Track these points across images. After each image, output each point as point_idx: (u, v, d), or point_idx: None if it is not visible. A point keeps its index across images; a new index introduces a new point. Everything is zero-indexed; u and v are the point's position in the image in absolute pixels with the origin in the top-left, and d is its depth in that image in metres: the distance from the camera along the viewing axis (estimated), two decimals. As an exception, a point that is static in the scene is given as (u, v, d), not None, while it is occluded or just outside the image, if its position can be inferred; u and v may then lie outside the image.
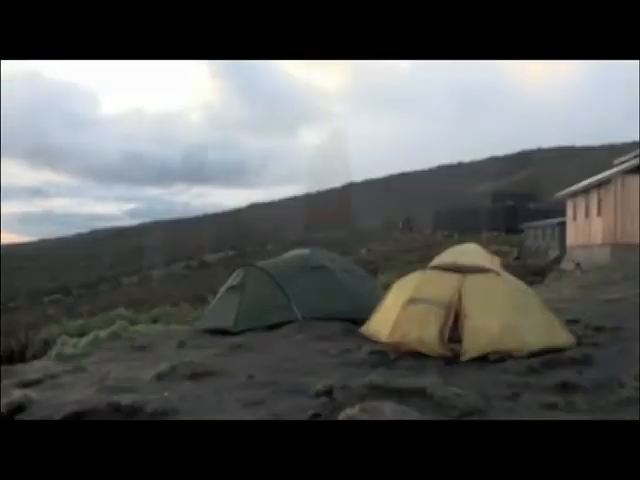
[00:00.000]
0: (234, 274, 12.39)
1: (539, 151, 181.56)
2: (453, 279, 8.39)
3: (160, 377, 7.59)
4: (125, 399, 6.27)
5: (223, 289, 12.42)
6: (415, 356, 7.93)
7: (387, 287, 12.30)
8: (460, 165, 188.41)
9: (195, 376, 7.56)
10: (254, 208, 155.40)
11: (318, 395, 6.25)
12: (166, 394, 6.63)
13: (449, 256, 9.18)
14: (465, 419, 5.48)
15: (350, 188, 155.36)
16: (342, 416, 5.15)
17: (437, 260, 9.24)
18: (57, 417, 6.11)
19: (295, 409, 5.92)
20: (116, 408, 6.12)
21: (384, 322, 8.82)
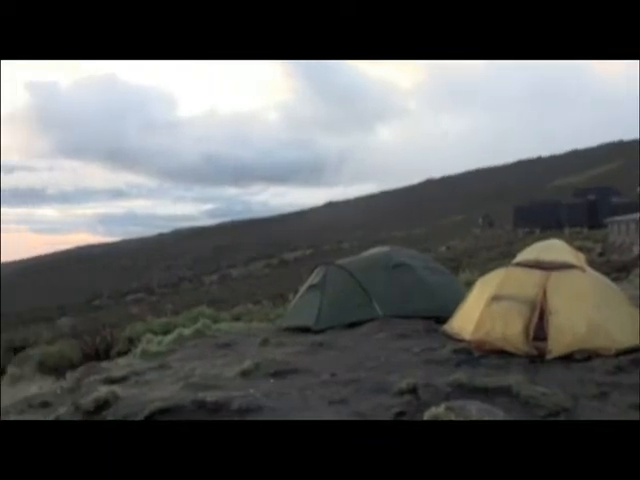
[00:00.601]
0: (314, 272, 12.41)
1: (621, 144, 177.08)
2: (537, 276, 8.24)
3: (244, 374, 7.66)
4: (210, 396, 6.34)
5: (304, 287, 12.46)
6: (499, 354, 7.82)
7: (468, 284, 12.18)
8: (539, 159, 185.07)
9: (278, 374, 7.61)
10: (331, 206, 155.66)
11: (402, 393, 6.21)
12: (251, 391, 6.67)
13: (533, 252, 9.01)
14: (552, 419, 5.39)
15: (428, 185, 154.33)
16: (427, 415, 5.11)
17: (521, 256, 9.10)
18: (143, 413, 6.22)
19: (379, 407, 5.90)
20: (201, 405, 6.20)
21: (467, 320, 8.72)
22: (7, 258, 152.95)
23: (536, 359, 7.58)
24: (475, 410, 5.08)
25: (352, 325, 10.84)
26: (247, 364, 7.84)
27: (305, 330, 11.08)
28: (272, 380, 7.40)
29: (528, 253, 9.08)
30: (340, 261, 12.55)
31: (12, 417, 7.69)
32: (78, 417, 6.70)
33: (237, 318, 16.94)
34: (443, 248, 67.56)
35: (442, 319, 9.90)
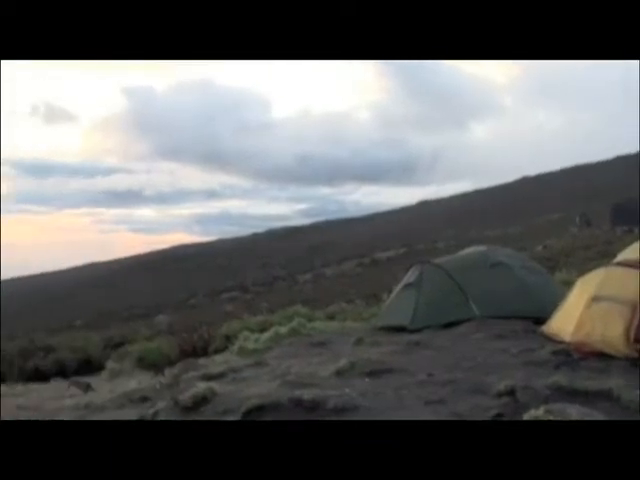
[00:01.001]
0: (410, 271, 12.36)
1: None
2: (639, 276, 8.01)
3: (339, 373, 7.67)
4: (306, 394, 6.37)
5: (399, 286, 12.42)
6: (599, 356, 7.63)
7: (565, 284, 11.93)
8: (638, 155, 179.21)
9: (374, 373, 7.59)
10: (424, 205, 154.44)
11: (500, 395, 6.11)
12: (347, 390, 6.68)
13: (634, 252, 8.77)
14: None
15: (523, 183, 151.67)
16: (526, 417, 5.03)
17: (621, 256, 8.86)
18: (240, 410, 6.30)
19: (476, 409, 5.82)
20: (298, 402, 6.24)
21: (566, 321, 8.54)
22: (106, 257, 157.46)
23: (637, 362, 7.38)
24: (575, 414, 4.95)
25: (448, 325, 10.75)
26: (342, 363, 7.86)
27: (400, 329, 11.04)
28: (367, 379, 7.39)
29: (629, 253, 8.85)
30: (436, 260, 12.47)
31: (111, 412, 7.90)
32: (176, 412, 6.83)
33: (331, 317, 16.99)
34: (539, 247, 66.13)
35: (540, 320, 9.73)
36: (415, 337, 10.07)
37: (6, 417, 8.29)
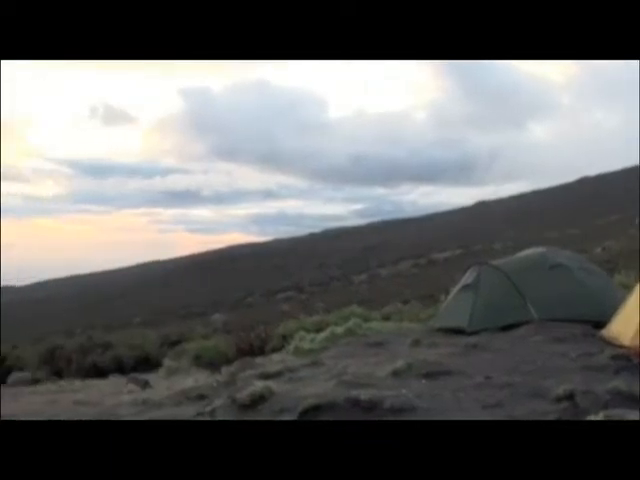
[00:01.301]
0: (467, 272, 12.28)
1: None
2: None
3: (396, 374, 7.65)
4: (363, 394, 6.37)
5: (457, 288, 12.35)
6: (660, 362, 7.50)
7: (624, 287, 11.73)
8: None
9: (430, 374, 7.55)
10: (481, 206, 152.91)
11: (559, 400, 6.03)
12: (404, 391, 6.66)
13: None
14: None
15: (583, 183, 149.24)
16: (586, 423, 4.96)
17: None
18: (297, 409, 6.32)
19: (534, 413, 5.75)
20: (355, 402, 6.24)
21: (626, 325, 8.40)
22: (163, 257, 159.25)
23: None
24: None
25: (506, 327, 10.65)
26: (399, 364, 7.84)
27: (457, 331, 10.98)
28: (424, 381, 7.36)
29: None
30: (495, 261, 12.37)
31: (168, 409, 7.98)
32: (234, 410, 6.88)
33: (387, 318, 16.94)
34: (598, 249, 65.17)
35: (600, 323, 9.59)
36: (473, 339, 10.00)
37: (64, 412, 8.44)
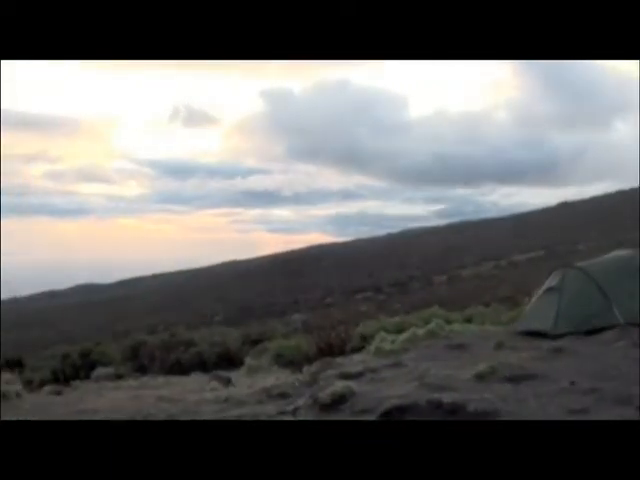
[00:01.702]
0: (552, 275, 12.08)
1: None
2: None
3: (479, 377, 7.59)
4: (446, 397, 6.34)
5: (540, 290, 12.16)
6: None
7: None
8: None
9: (514, 378, 7.47)
10: (564, 206, 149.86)
11: (646, 407, 5.92)
12: (487, 395, 6.61)
13: None
14: None
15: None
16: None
17: None
18: (379, 409, 6.33)
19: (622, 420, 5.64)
20: (437, 405, 6.21)
21: None
22: (243, 256, 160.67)
23: None
24: None
25: (590, 332, 10.43)
26: (482, 367, 7.77)
27: (541, 335, 10.80)
28: (508, 385, 7.28)
29: None
30: (579, 263, 12.12)
31: (250, 406, 8.06)
32: (315, 409, 6.93)
33: (469, 320, 16.77)
34: (688, 253, 63.15)
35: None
36: (557, 343, 9.82)
37: (147, 408, 8.60)
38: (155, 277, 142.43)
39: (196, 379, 14.16)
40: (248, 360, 15.99)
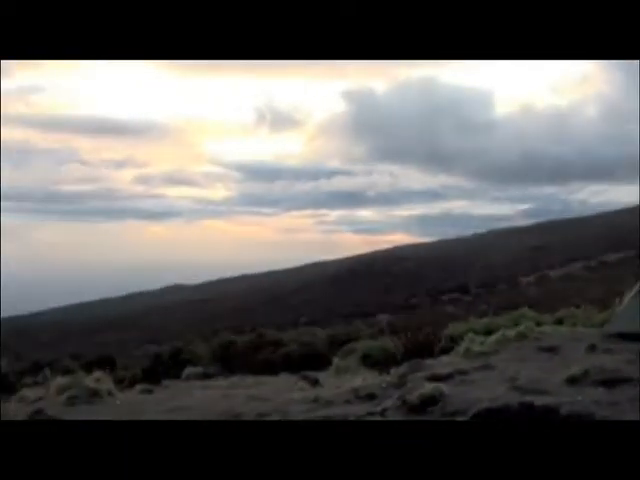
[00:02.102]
0: (646, 276, 11.81)
1: None
2: None
3: (571, 380, 7.46)
4: (538, 400, 6.26)
5: (633, 291, 11.88)
6: None
7: None
8: None
9: (608, 382, 7.31)
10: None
11: None
12: (579, 398, 6.50)
13: None
14: None
15: None
16: None
17: None
18: (470, 412, 6.28)
19: None
20: (529, 408, 6.13)
21: None
22: (329, 257, 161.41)
23: None
24: None
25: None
26: (574, 370, 7.64)
27: (635, 337, 10.54)
28: (601, 388, 7.13)
29: None
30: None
31: (338, 407, 8.09)
32: (404, 411, 6.92)
33: (559, 321, 16.47)
34: None
35: None
36: (651, 345, 9.57)
37: (239, 407, 8.72)
38: (245, 278, 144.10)
39: (284, 379, 14.26)
40: (335, 361, 16.02)
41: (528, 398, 6.40)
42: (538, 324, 14.03)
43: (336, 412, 7.71)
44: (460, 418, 6.31)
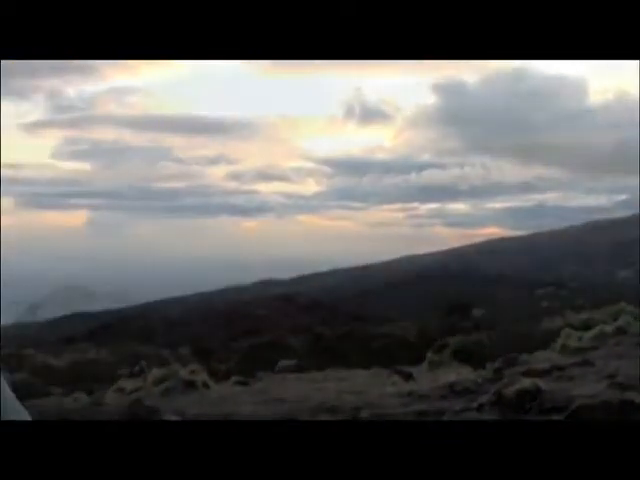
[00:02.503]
0: None
1: None
2: None
3: (675, 377, 7.27)
4: (638, 397, 6.12)
5: None
6: None
7: None
8: None
9: None
10: None
11: None
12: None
13: None
14: None
15: None
16: None
17: None
18: (568, 408, 6.18)
19: None
20: (630, 406, 6.00)
21: None
22: (421, 251, 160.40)
23: None
24: None
25: None
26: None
27: None
28: None
29: None
30: None
31: (433, 402, 8.06)
32: (500, 407, 6.86)
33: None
34: None
35: None
36: None
37: (330, 400, 8.75)
38: (333, 273, 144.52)
39: (377, 372, 14.29)
40: (429, 356, 15.97)
41: (629, 395, 6.26)
42: (638, 319, 13.69)
43: (431, 407, 7.69)
44: (558, 414, 6.22)
